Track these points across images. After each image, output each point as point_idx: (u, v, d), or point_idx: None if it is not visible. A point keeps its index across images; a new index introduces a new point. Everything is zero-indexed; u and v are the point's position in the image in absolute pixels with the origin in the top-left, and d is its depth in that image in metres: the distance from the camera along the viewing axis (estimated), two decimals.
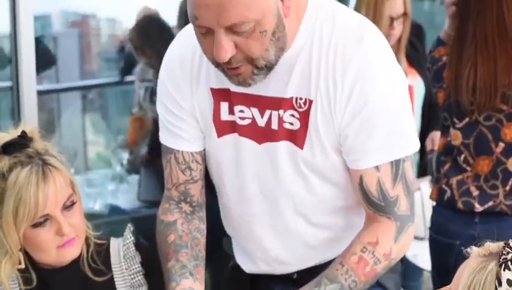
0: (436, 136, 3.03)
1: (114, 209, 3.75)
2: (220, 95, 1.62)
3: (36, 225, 1.57)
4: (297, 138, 1.58)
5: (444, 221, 2.35)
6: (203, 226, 1.74)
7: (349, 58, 1.51)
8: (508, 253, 1.07)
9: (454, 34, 2.32)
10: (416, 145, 1.60)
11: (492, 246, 1.10)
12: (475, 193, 2.28)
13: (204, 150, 1.71)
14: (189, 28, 1.57)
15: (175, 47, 1.70)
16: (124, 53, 4.17)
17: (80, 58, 5.89)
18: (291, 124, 1.57)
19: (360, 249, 1.56)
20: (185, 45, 1.65)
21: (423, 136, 3.10)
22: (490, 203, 2.26)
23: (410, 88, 2.86)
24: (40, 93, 3.27)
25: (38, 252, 1.60)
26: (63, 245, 1.59)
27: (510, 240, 1.10)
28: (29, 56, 2.77)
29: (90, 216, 1.77)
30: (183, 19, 3.43)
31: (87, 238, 1.66)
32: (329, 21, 1.55)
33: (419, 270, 3.06)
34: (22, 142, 1.60)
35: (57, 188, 1.57)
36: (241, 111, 1.61)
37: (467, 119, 2.28)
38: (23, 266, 1.60)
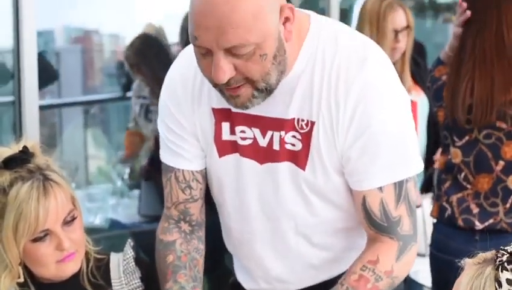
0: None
1: (114, 224, 3.75)
2: (221, 115, 1.61)
3: (36, 240, 1.57)
4: (299, 159, 1.57)
5: (445, 238, 2.35)
6: (202, 246, 1.73)
7: (352, 80, 1.51)
8: (503, 255, 1.10)
9: (454, 52, 2.33)
10: (420, 166, 1.59)
11: (485, 254, 1.12)
12: (475, 210, 2.28)
13: (205, 168, 1.70)
14: (191, 47, 1.57)
15: (177, 66, 1.69)
16: (124, 69, 4.19)
17: (82, 73, 5.91)
18: (293, 145, 1.57)
19: (360, 268, 1.55)
20: (186, 64, 1.64)
21: (428, 152, 3.10)
22: (490, 221, 2.26)
23: (414, 104, 2.88)
24: (42, 108, 3.28)
25: (38, 267, 1.60)
26: (62, 260, 1.60)
27: (501, 247, 1.12)
28: (32, 71, 2.77)
29: (91, 230, 1.77)
30: (185, 34, 3.44)
31: (87, 253, 1.67)
32: (331, 42, 1.54)
33: (419, 287, 3.05)
34: (23, 157, 1.61)
35: (58, 204, 1.57)
36: (243, 131, 1.61)
37: (466, 138, 2.29)
38: (22, 280, 1.61)
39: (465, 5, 2.31)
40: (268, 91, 1.48)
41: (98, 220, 3.74)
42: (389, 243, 1.57)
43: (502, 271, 1.09)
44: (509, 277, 1.08)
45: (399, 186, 1.55)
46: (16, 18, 2.75)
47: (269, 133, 1.58)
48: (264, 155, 1.60)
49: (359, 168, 1.54)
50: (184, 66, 1.65)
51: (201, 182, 1.71)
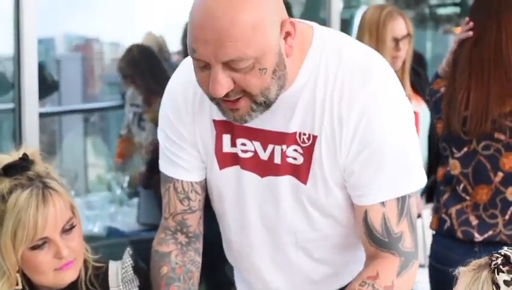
0: None
1: (113, 232, 3.75)
2: (222, 127, 1.60)
3: (34, 248, 1.57)
4: (300, 173, 1.56)
5: (444, 250, 2.35)
6: (199, 259, 1.71)
7: (355, 94, 1.49)
8: (497, 258, 1.13)
9: (452, 61, 2.34)
10: (423, 181, 1.57)
11: (479, 260, 1.14)
12: (474, 222, 2.28)
13: (204, 180, 1.68)
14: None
15: (178, 76, 1.67)
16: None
17: (82, 81, 5.92)
18: (295, 158, 1.55)
19: (359, 284, 1.53)
20: (187, 74, 1.61)
21: (429, 162, 3.10)
22: (490, 233, 2.26)
23: (416, 115, 2.89)
24: (42, 115, 3.28)
25: (36, 275, 1.60)
26: (61, 268, 1.59)
27: (493, 252, 1.14)
28: (32, 78, 2.78)
29: (89, 238, 1.77)
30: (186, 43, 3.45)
31: (85, 261, 1.66)
32: (335, 55, 1.52)
33: None
34: (23, 165, 1.61)
35: (57, 212, 1.57)
36: (243, 144, 1.59)
37: (465, 149, 2.29)
38: (20, 287, 1.60)
39: (471, 24, 2.30)
40: (266, 105, 1.47)
41: (96, 228, 3.74)
42: (390, 259, 1.55)
43: (498, 273, 1.10)
44: (506, 278, 1.10)
45: (402, 201, 1.53)
46: (16, 25, 2.76)
47: (270, 146, 1.57)
48: (264, 168, 1.59)
49: (361, 182, 1.53)
50: (185, 75, 1.62)
51: (200, 193, 1.69)
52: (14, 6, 2.76)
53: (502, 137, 2.23)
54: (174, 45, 4.43)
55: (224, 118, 1.56)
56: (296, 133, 1.54)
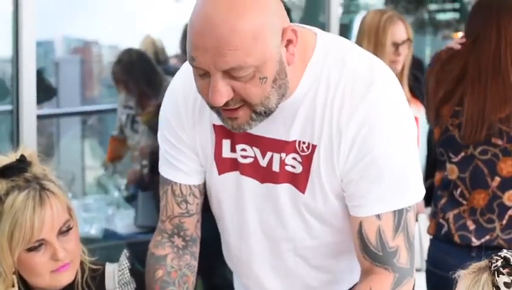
0: None
1: (110, 234, 3.74)
2: (222, 132, 1.58)
3: (31, 249, 1.56)
4: (299, 181, 1.54)
5: (442, 254, 2.35)
6: (195, 263, 1.69)
7: (355, 105, 1.46)
8: (497, 261, 1.13)
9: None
10: (422, 194, 1.55)
11: (479, 263, 1.15)
12: (471, 227, 2.28)
13: (203, 183, 1.67)
14: None
15: (179, 79, 1.65)
16: None
17: (80, 84, 5.93)
18: (293, 167, 1.54)
19: None
20: (188, 78, 1.57)
21: (428, 166, 3.10)
22: (487, 237, 2.26)
23: (416, 119, 2.89)
24: (40, 117, 3.28)
25: (33, 276, 1.60)
26: (57, 270, 1.59)
27: (493, 255, 1.14)
28: (30, 81, 2.78)
29: (86, 241, 1.77)
30: (184, 47, 3.46)
31: (82, 263, 1.66)
32: (337, 64, 1.49)
33: None
34: (20, 166, 1.61)
35: (54, 214, 1.57)
36: (243, 150, 1.58)
37: (462, 154, 2.29)
38: (16, 289, 1.60)
39: (464, 40, 2.31)
40: (266, 114, 1.44)
41: (93, 231, 3.74)
42: (383, 275, 1.51)
43: (498, 276, 1.11)
44: (506, 280, 1.10)
45: (398, 215, 1.50)
46: (15, 27, 2.76)
47: (269, 154, 1.55)
48: (264, 175, 1.57)
49: (358, 192, 1.50)
50: (186, 79, 1.59)
51: (198, 197, 1.68)
52: (13, 8, 2.76)
53: (499, 142, 2.23)
54: (172, 49, 4.43)
55: None
56: (295, 141, 1.52)
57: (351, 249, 1.59)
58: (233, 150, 1.59)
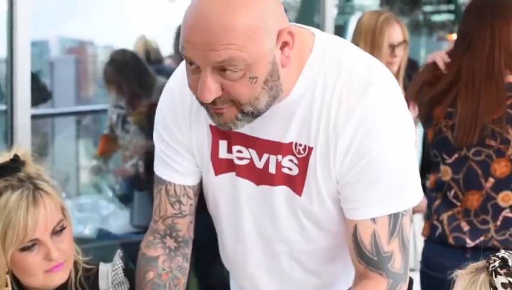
0: None
1: (104, 234, 3.74)
2: (219, 132, 1.56)
3: (24, 249, 1.56)
4: (295, 184, 1.53)
5: (436, 256, 2.35)
6: (186, 265, 1.68)
7: (352, 107, 1.45)
8: (495, 261, 1.13)
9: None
10: (420, 197, 1.54)
11: (476, 263, 1.15)
12: (466, 228, 2.28)
13: (197, 184, 1.66)
14: None
15: (176, 78, 1.64)
16: None
17: (75, 84, 5.92)
18: (290, 169, 1.53)
19: None
20: (185, 77, 1.55)
21: (422, 167, 3.10)
22: (481, 238, 2.26)
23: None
24: (35, 117, 3.27)
25: (26, 276, 1.60)
26: (50, 270, 1.59)
27: (490, 255, 1.15)
28: (25, 80, 2.77)
29: (80, 240, 1.76)
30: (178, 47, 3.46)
31: (75, 263, 1.66)
32: (335, 66, 1.48)
33: None
34: (13, 166, 1.60)
35: (47, 213, 1.57)
36: (239, 151, 1.57)
37: (456, 155, 2.29)
38: (9, 289, 1.60)
39: (448, 61, 2.31)
40: (254, 115, 1.42)
41: (87, 230, 3.74)
42: (378, 280, 1.50)
43: (495, 276, 1.11)
44: (503, 281, 1.10)
45: (394, 219, 1.49)
46: (10, 27, 2.76)
47: (265, 156, 1.54)
48: (260, 177, 1.56)
49: (354, 195, 1.49)
50: (183, 78, 1.56)
51: (192, 198, 1.66)
52: (7, 8, 2.75)
53: (493, 143, 2.23)
54: (166, 49, 4.43)
55: None
56: (292, 143, 1.51)
57: (347, 254, 1.57)
58: (229, 151, 1.58)
